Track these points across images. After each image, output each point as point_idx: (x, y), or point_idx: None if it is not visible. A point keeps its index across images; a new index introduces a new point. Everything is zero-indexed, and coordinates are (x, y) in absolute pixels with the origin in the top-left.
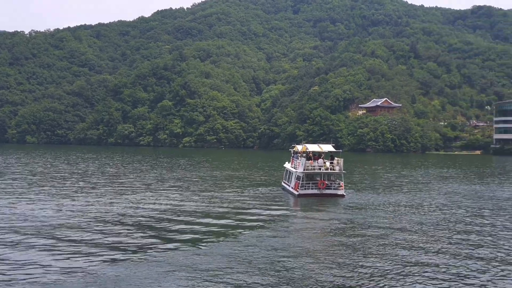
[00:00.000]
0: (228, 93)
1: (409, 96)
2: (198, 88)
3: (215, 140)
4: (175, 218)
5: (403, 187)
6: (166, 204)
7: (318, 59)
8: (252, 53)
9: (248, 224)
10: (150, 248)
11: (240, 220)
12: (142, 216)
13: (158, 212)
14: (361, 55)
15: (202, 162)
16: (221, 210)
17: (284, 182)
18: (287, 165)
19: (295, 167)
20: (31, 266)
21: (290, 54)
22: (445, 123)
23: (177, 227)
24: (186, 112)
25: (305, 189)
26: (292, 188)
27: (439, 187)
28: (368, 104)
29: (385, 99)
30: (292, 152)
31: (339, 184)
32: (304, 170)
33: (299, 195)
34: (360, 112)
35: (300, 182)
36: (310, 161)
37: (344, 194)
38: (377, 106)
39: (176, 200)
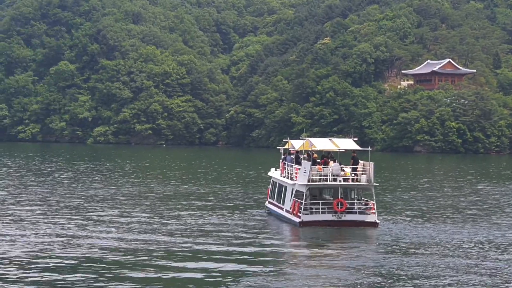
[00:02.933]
0: (174, 49)
1: (489, 56)
2: (121, 41)
3: (150, 131)
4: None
5: (483, 212)
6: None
7: None
8: None
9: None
10: None
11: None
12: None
13: (92, 253)
14: None
15: (126, 168)
16: (155, 260)
17: (270, 202)
18: (275, 173)
19: (290, 176)
20: None
21: None
22: None
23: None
24: (99, 83)
25: (311, 213)
26: (287, 211)
27: None
28: (418, 70)
29: (447, 60)
30: (282, 151)
31: (367, 205)
32: (309, 181)
33: (303, 224)
34: (405, 84)
35: (303, 202)
36: (318, 166)
37: (378, 221)
38: (433, 72)
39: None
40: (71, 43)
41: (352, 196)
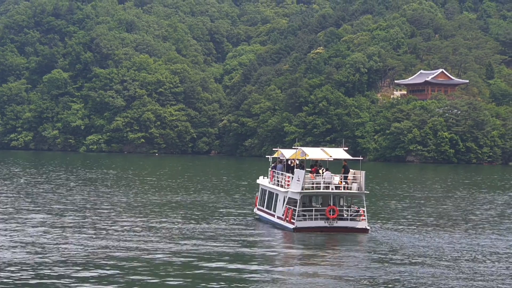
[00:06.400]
0: (167, 58)
1: (482, 67)
2: (114, 49)
3: (142, 140)
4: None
5: (473, 221)
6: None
7: None
8: None
9: None
10: None
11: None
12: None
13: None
14: None
15: (119, 177)
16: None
17: (259, 209)
18: (264, 181)
19: (280, 184)
20: None
21: None
22: None
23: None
24: (92, 91)
25: (304, 219)
26: (280, 218)
27: None
28: (411, 80)
29: (440, 70)
30: (271, 160)
31: (358, 212)
32: (303, 189)
33: (297, 230)
34: (397, 93)
35: (297, 209)
36: (310, 174)
37: (368, 228)
38: (426, 82)
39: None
40: (65, 51)
41: (341, 204)
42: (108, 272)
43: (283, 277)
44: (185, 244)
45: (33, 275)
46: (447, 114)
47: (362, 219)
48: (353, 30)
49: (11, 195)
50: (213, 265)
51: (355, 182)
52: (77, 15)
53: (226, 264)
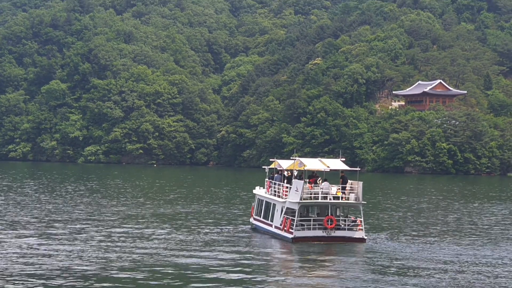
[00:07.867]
0: (165, 69)
1: (480, 77)
2: (113, 60)
3: (141, 151)
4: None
5: (469, 231)
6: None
7: (321, 10)
8: (206, 0)
9: None
10: None
11: None
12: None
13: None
14: (397, 5)
15: (114, 188)
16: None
17: (255, 219)
18: (260, 191)
19: (278, 194)
20: None
21: (272, 3)
22: None
23: None
24: (90, 102)
25: (303, 229)
26: (277, 227)
27: None
28: (410, 91)
29: (438, 81)
30: (267, 170)
31: (355, 222)
32: (301, 199)
33: (295, 239)
34: (396, 104)
35: (295, 219)
36: (308, 185)
37: (365, 237)
38: (424, 93)
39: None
40: (63, 62)
41: (338, 214)
42: (106, 282)
43: (282, 286)
44: (182, 254)
45: (37, 285)
46: (445, 125)
47: (359, 229)
48: (351, 41)
49: (15, 205)
50: (211, 274)
51: (353, 193)
52: (75, 26)
53: (225, 273)
